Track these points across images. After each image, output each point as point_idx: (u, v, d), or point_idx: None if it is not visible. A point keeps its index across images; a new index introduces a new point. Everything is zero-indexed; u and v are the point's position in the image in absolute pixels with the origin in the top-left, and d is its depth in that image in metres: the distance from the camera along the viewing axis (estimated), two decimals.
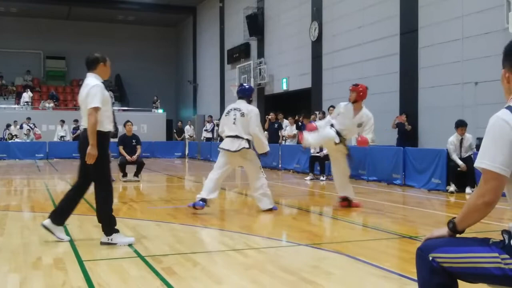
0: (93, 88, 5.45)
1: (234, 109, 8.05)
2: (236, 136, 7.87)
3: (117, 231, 5.59)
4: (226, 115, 8.13)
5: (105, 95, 5.53)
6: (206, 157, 23.29)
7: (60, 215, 5.73)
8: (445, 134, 11.16)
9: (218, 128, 24.01)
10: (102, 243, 5.54)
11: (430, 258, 2.49)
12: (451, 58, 13.13)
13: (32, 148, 23.97)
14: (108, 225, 5.58)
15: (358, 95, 8.49)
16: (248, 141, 7.93)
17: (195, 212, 7.81)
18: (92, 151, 5.33)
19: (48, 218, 5.70)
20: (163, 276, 4.33)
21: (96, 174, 5.57)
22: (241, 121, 7.90)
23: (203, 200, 7.77)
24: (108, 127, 5.60)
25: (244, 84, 8.83)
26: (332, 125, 8.47)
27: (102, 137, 5.45)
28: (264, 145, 8.36)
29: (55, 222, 5.65)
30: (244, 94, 8.28)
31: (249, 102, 8.24)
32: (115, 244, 5.49)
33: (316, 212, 8.76)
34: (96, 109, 5.34)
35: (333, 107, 15.21)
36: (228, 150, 7.90)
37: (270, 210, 8.06)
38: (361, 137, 8.24)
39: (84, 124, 5.54)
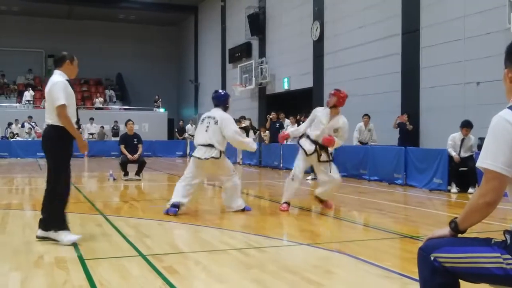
0: (55, 85, 5.50)
1: (208, 117, 7.89)
2: (209, 145, 7.72)
3: (68, 229, 5.58)
4: (200, 123, 8.00)
5: (68, 92, 5.55)
6: None
7: (52, 221, 5.59)
8: (447, 134, 11.15)
9: None
10: (52, 240, 5.52)
11: (432, 258, 2.49)
12: (452, 58, 13.12)
13: (33, 146, 23.94)
14: (62, 222, 5.55)
15: (338, 100, 8.17)
16: (220, 151, 7.75)
17: (196, 211, 7.82)
18: (80, 143, 5.68)
19: (39, 229, 5.67)
20: (164, 275, 4.34)
21: (54, 166, 5.60)
22: (214, 129, 7.71)
23: (175, 205, 7.63)
24: None
25: (220, 91, 8.55)
26: (307, 136, 8.29)
27: (64, 132, 5.48)
28: (248, 146, 8.22)
29: (49, 228, 5.58)
30: (219, 101, 8.09)
31: (226, 109, 8.04)
32: (58, 241, 5.47)
33: (317, 212, 8.75)
34: (63, 106, 5.39)
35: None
36: (198, 158, 7.77)
37: (243, 210, 8.00)
38: (330, 135, 8.04)
39: (48, 120, 5.56)
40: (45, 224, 5.61)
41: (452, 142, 10.67)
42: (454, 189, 10.52)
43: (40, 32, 33.33)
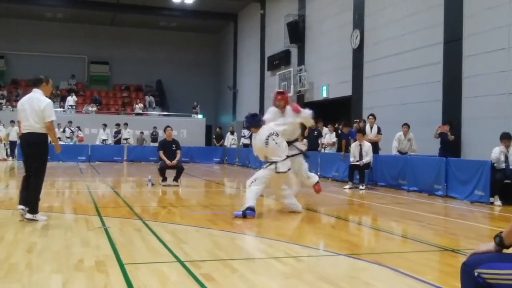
0: (48, 105, 7.16)
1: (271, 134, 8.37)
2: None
3: (38, 212, 7.21)
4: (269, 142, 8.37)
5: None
6: (244, 163, 23.37)
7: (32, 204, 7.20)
8: (489, 145, 10.92)
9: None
10: (27, 219, 7.09)
11: (476, 274, 2.44)
12: (496, 67, 12.85)
13: (74, 150, 24.50)
14: (35, 206, 7.15)
15: (286, 101, 9.04)
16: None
17: (234, 218, 7.85)
18: (57, 146, 7.49)
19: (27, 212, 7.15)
20: (202, 282, 4.35)
21: (37, 167, 7.22)
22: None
23: (252, 208, 8.02)
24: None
25: (253, 115, 8.95)
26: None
27: (47, 139, 7.26)
28: None
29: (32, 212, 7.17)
30: (253, 123, 8.62)
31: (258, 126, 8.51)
32: (37, 220, 7.11)
33: (355, 222, 8.68)
34: (52, 121, 7.21)
35: (373, 115, 15.15)
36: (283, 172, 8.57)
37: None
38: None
39: (29, 127, 7.15)
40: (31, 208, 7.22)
41: (496, 158, 10.42)
42: (498, 201, 10.27)
43: (83, 39, 34.14)
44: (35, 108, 7.12)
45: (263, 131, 8.38)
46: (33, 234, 6.39)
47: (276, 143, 8.33)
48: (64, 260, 5.05)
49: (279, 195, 8.76)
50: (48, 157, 7.48)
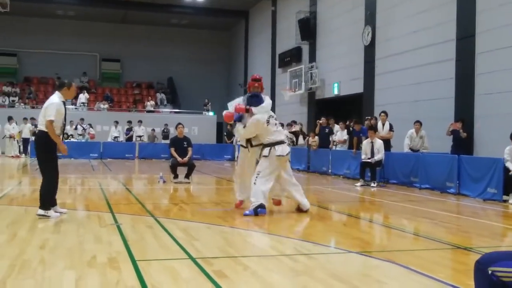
0: (51, 105, 7.36)
1: (272, 116, 8.30)
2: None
3: (50, 208, 7.39)
4: (272, 121, 8.28)
5: (58, 110, 7.37)
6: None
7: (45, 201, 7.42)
8: (502, 143, 10.83)
9: None
10: (38, 215, 7.28)
11: (490, 272, 2.42)
12: (509, 64, 12.73)
13: (86, 147, 24.63)
14: (44, 202, 7.34)
15: (262, 88, 8.85)
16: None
17: (245, 216, 7.86)
18: (61, 147, 7.39)
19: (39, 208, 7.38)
20: (214, 279, 4.36)
21: (39, 163, 7.46)
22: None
23: (263, 206, 7.99)
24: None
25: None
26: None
27: (50, 139, 7.30)
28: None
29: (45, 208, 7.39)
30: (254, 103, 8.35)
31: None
32: (49, 216, 7.27)
33: (367, 219, 8.65)
34: (51, 121, 7.23)
35: (385, 112, 15.09)
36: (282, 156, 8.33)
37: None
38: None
39: (39, 127, 7.46)
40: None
41: (509, 157, 10.32)
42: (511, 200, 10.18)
43: (95, 36, 34.27)
44: (44, 107, 7.54)
45: (263, 112, 8.26)
46: (46, 231, 6.44)
47: (276, 124, 8.32)
48: (77, 257, 5.09)
49: (287, 182, 8.47)
50: (58, 154, 7.69)
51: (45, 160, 7.43)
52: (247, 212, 8.02)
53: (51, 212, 7.36)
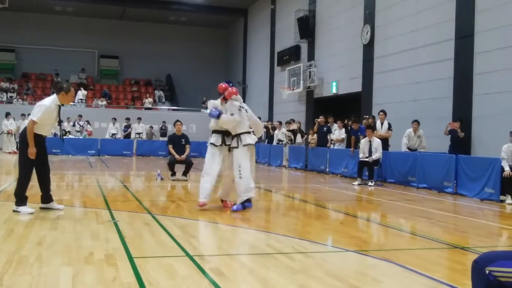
0: (40, 106, 7.37)
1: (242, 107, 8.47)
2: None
3: (24, 204, 7.40)
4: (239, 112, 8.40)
5: (47, 113, 7.35)
6: None
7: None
8: (500, 143, 10.84)
9: (265, 130, 24.13)
10: (13, 211, 7.34)
11: (487, 272, 2.42)
12: (508, 64, 12.75)
13: (84, 144, 24.61)
14: (17, 198, 7.40)
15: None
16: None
17: (242, 213, 7.85)
18: (30, 149, 7.27)
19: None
20: (211, 276, 4.36)
21: (20, 160, 7.48)
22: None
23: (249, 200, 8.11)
24: (42, 132, 7.48)
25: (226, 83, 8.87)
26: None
27: (36, 138, 7.34)
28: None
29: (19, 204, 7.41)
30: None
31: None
32: (19, 212, 7.30)
33: (364, 218, 8.66)
34: (33, 121, 7.27)
35: (383, 111, 15.09)
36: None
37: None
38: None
39: (27, 122, 7.57)
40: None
41: (505, 155, 10.33)
42: (509, 200, 10.18)
43: (93, 33, 34.21)
44: (36, 105, 7.59)
45: (236, 103, 8.41)
46: (43, 227, 6.43)
47: (247, 115, 8.43)
48: (74, 253, 5.08)
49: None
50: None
51: (23, 156, 7.39)
52: (234, 207, 8.14)
53: (21, 208, 7.37)
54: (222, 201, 8.73)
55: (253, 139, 8.41)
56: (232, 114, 8.28)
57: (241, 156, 8.21)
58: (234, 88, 8.62)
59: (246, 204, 8.15)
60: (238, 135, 8.29)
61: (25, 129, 7.45)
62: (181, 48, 35.39)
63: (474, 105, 13.81)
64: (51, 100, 7.47)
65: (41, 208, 7.63)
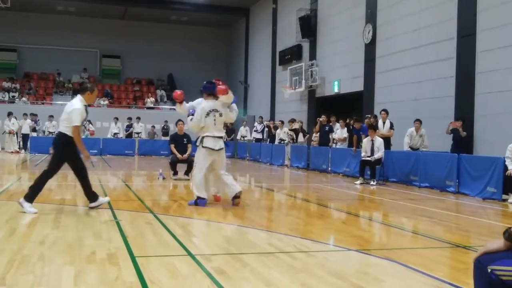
0: (75, 110, 7.51)
1: (213, 110, 8.44)
2: (221, 137, 8.53)
3: (31, 203, 7.37)
4: (206, 116, 8.44)
5: (81, 114, 7.59)
6: (255, 157, 23.40)
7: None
8: (502, 142, 10.83)
9: (267, 130, 24.13)
10: (19, 203, 7.38)
11: (489, 270, 2.42)
12: (510, 63, 12.73)
13: (86, 144, 24.26)
14: (33, 196, 7.40)
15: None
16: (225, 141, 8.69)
17: (243, 212, 7.85)
18: (84, 153, 7.92)
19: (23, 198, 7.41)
20: (213, 275, 4.37)
21: (49, 162, 7.77)
22: (220, 121, 8.52)
23: (202, 198, 8.39)
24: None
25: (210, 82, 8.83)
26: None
27: (68, 142, 7.58)
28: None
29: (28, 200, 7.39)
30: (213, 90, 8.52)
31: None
32: (22, 207, 7.30)
33: (366, 217, 8.65)
34: (77, 127, 7.50)
35: (385, 110, 15.08)
36: (212, 149, 8.40)
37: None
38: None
39: (60, 128, 7.76)
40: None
41: (510, 154, 10.29)
42: (511, 199, 10.17)
43: (95, 32, 34.23)
44: (66, 110, 7.66)
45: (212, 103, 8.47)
46: (45, 226, 6.44)
47: (214, 120, 8.44)
48: (76, 252, 5.09)
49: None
50: (70, 156, 7.83)
51: (56, 161, 7.65)
52: (191, 202, 8.56)
53: (26, 204, 7.36)
54: (214, 196, 9.11)
55: (214, 145, 8.42)
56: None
57: (198, 156, 8.56)
58: (223, 86, 8.59)
59: (198, 201, 8.44)
60: (202, 137, 8.50)
61: (60, 135, 7.67)
62: (182, 48, 35.40)
63: (476, 104, 13.80)
64: (79, 102, 7.67)
65: (90, 207, 7.85)
